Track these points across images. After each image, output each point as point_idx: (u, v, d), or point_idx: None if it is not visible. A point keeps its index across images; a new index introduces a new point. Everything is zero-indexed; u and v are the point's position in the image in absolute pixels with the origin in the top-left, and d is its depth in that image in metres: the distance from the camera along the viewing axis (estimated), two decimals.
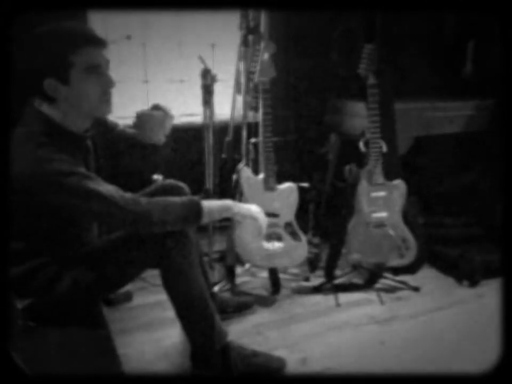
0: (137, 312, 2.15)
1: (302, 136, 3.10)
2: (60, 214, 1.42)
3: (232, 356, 1.67)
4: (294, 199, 2.25)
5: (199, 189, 2.35)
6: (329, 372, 1.77)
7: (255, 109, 2.32)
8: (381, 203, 2.30)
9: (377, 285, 2.41)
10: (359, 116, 2.68)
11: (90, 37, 1.41)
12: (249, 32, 2.33)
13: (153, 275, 1.77)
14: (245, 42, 2.35)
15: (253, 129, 2.39)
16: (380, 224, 2.31)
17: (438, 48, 3.20)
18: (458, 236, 2.73)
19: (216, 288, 2.26)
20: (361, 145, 2.31)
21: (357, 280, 2.45)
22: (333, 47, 3.01)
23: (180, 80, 2.98)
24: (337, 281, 2.40)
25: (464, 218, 2.85)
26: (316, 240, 2.67)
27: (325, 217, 2.76)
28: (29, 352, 1.22)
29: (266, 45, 2.16)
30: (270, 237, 2.20)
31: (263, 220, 1.69)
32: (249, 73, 2.27)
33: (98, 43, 1.42)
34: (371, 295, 2.33)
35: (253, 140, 2.38)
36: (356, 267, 2.45)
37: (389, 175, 2.31)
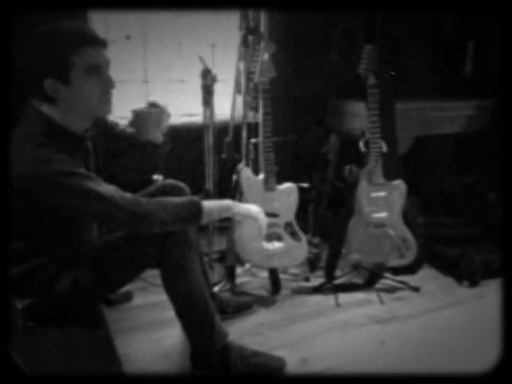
0: (137, 312, 2.15)
1: (302, 136, 3.10)
2: (60, 214, 1.43)
3: (232, 356, 1.67)
4: (294, 199, 2.25)
5: (199, 189, 2.35)
6: (329, 371, 1.77)
7: (255, 109, 2.32)
8: (381, 203, 2.30)
9: (377, 285, 2.41)
10: (359, 116, 2.68)
11: (91, 37, 1.41)
12: (249, 32, 2.33)
13: (153, 275, 1.77)
14: (244, 43, 2.35)
15: (253, 129, 2.39)
16: (380, 224, 2.31)
17: (438, 48, 3.20)
18: (458, 236, 2.73)
19: (216, 288, 2.26)
20: (361, 145, 2.31)
21: (357, 280, 2.45)
22: (333, 47, 3.01)
23: (180, 80, 2.98)
24: (337, 281, 2.40)
25: (464, 218, 2.86)
26: (316, 240, 2.67)
27: (325, 217, 2.77)
28: (29, 352, 1.22)
29: (266, 45, 2.16)
30: (270, 237, 2.20)
31: (263, 220, 1.69)
32: (249, 73, 2.27)
33: (99, 43, 1.42)
34: (371, 295, 2.33)
35: (253, 140, 2.38)
36: (355, 267, 2.45)
37: (389, 175, 2.31)
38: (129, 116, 1.72)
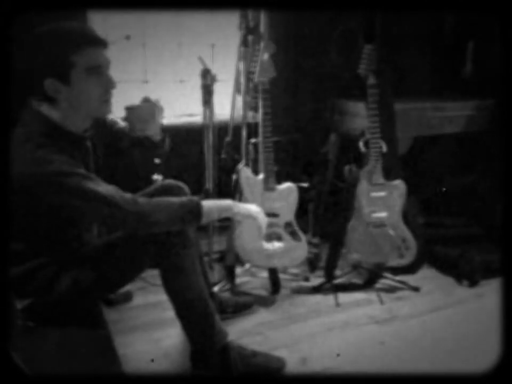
0: (137, 312, 2.15)
1: (302, 136, 3.10)
2: (60, 214, 1.43)
3: (232, 355, 1.67)
4: (293, 199, 2.25)
5: (199, 189, 2.35)
6: (329, 371, 1.77)
7: (255, 109, 2.32)
8: (380, 203, 2.30)
9: (377, 285, 2.41)
10: (359, 116, 2.68)
11: (91, 37, 1.41)
12: (249, 32, 2.33)
13: (153, 275, 1.77)
14: (244, 43, 2.35)
15: (252, 129, 2.39)
16: (380, 224, 2.31)
17: (438, 48, 3.20)
18: (458, 236, 2.73)
19: (216, 288, 2.26)
20: (361, 145, 2.31)
21: (357, 280, 2.45)
22: (333, 47, 3.01)
23: (180, 80, 2.98)
24: (337, 281, 2.40)
25: (464, 218, 2.86)
26: (316, 240, 2.67)
27: (325, 217, 2.77)
28: (29, 352, 1.22)
29: (266, 45, 2.16)
30: (270, 237, 2.20)
31: (263, 219, 1.69)
32: (249, 73, 2.27)
33: (99, 43, 1.42)
34: (371, 295, 2.33)
35: (252, 140, 2.38)
36: (355, 267, 2.45)
37: (389, 175, 2.31)
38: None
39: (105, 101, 1.46)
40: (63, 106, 1.41)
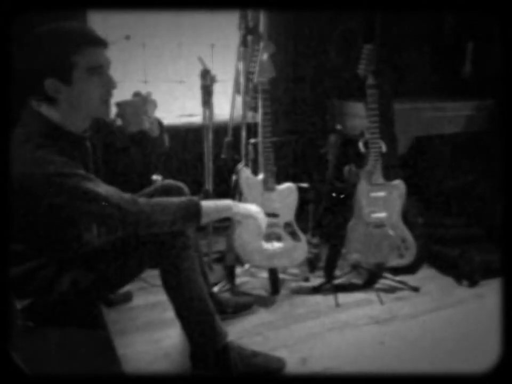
0: (137, 313, 2.15)
1: (302, 136, 3.10)
2: (60, 214, 1.42)
3: (232, 356, 1.67)
4: (293, 199, 2.25)
5: (198, 189, 2.35)
6: (329, 371, 1.77)
7: (255, 109, 2.32)
8: (380, 203, 2.30)
9: (377, 285, 2.41)
10: (358, 116, 2.69)
11: (92, 37, 1.41)
12: (248, 33, 2.32)
13: (153, 275, 1.77)
14: (244, 43, 2.34)
15: (252, 129, 2.39)
16: (380, 224, 2.31)
17: (437, 48, 3.20)
18: (458, 236, 2.73)
19: (215, 289, 2.26)
20: (360, 145, 2.31)
21: (357, 280, 2.45)
22: (333, 47, 3.01)
23: (180, 80, 2.98)
24: (337, 281, 2.40)
25: (464, 218, 2.86)
26: (316, 240, 2.67)
27: (325, 217, 2.76)
28: (29, 352, 1.22)
29: (266, 45, 2.16)
30: (270, 237, 2.20)
31: (263, 219, 1.69)
32: (248, 74, 2.27)
33: (100, 43, 1.42)
34: (371, 295, 2.33)
35: (252, 140, 2.38)
36: (355, 267, 2.45)
37: (389, 175, 2.31)
38: None
39: (106, 101, 1.46)
40: (63, 107, 1.41)
